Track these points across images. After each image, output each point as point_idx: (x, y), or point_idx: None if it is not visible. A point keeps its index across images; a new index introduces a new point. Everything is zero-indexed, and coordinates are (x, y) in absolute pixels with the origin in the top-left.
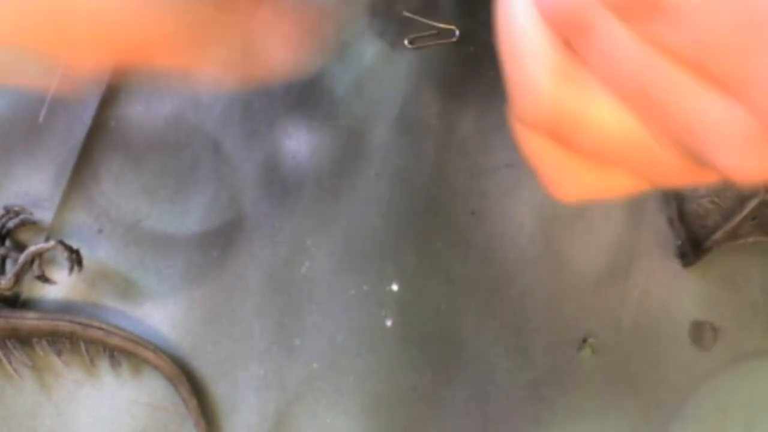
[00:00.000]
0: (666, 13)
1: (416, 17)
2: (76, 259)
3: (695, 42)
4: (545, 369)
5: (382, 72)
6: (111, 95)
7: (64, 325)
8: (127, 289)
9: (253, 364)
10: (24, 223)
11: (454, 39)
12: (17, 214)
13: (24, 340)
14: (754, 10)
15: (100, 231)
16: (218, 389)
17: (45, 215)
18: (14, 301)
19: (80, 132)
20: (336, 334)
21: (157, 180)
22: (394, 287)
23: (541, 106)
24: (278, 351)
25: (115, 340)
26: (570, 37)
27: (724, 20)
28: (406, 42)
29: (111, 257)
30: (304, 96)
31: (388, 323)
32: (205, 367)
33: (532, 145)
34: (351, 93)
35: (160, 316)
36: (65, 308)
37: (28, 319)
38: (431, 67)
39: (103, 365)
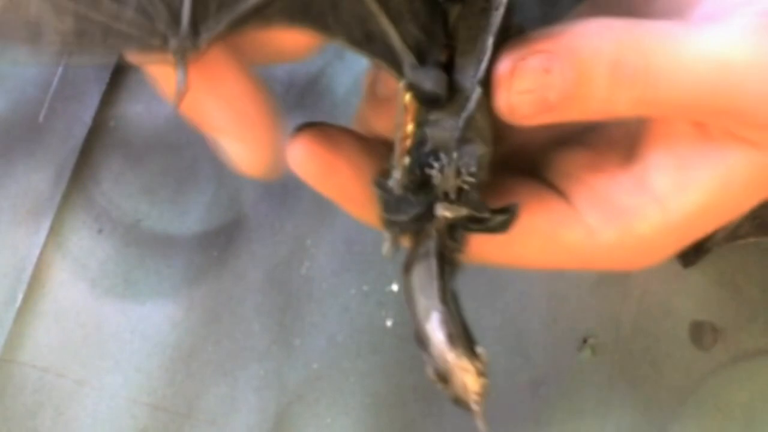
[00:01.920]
0: None
1: None
2: None
3: None
4: (545, 369)
5: None
6: (111, 95)
7: None
8: (127, 289)
9: (253, 364)
10: None
11: None
12: None
13: None
14: None
15: (100, 231)
16: (218, 389)
17: (45, 215)
18: None
19: (80, 132)
20: (336, 334)
21: (157, 180)
22: (394, 287)
23: None
24: (278, 351)
25: None
26: None
27: None
28: None
29: (111, 257)
30: (304, 96)
31: (389, 323)
32: (205, 367)
33: None
34: (351, 93)
35: (160, 316)
36: (65, 307)
37: None
38: None
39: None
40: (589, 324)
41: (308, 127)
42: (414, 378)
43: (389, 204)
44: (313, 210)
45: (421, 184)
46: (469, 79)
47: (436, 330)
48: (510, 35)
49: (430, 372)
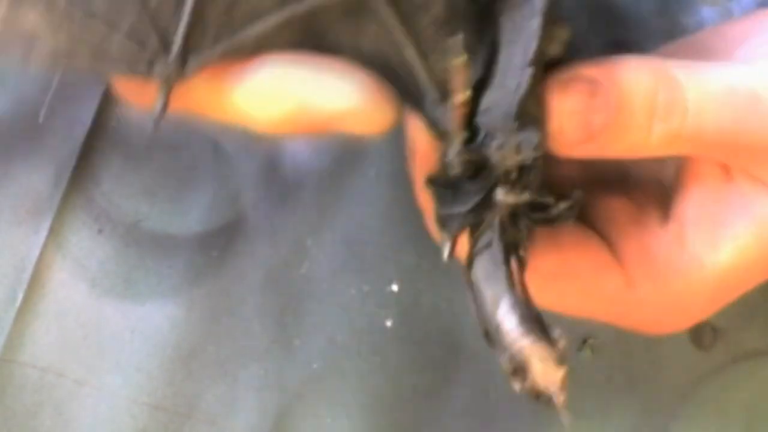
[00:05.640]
0: None
1: None
2: None
3: None
4: None
5: None
6: (111, 95)
7: None
8: (127, 289)
9: (253, 364)
10: None
11: None
12: None
13: None
14: None
15: (100, 231)
16: (218, 389)
17: (45, 215)
18: None
19: (80, 132)
20: (336, 334)
21: (157, 180)
22: (394, 287)
23: None
24: (278, 351)
25: None
26: None
27: None
28: None
29: (111, 257)
30: None
31: (389, 323)
32: (205, 367)
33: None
34: None
35: (160, 316)
36: (65, 307)
37: None
38: None
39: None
40: (589, 324)
41: None
42: (414, 378)
43: (445, 198)
44: (313, 210)
45: (477, 168)
46: (518, 68)
47: (507, 317)
48: (558, 62)
49: (504, 366)
